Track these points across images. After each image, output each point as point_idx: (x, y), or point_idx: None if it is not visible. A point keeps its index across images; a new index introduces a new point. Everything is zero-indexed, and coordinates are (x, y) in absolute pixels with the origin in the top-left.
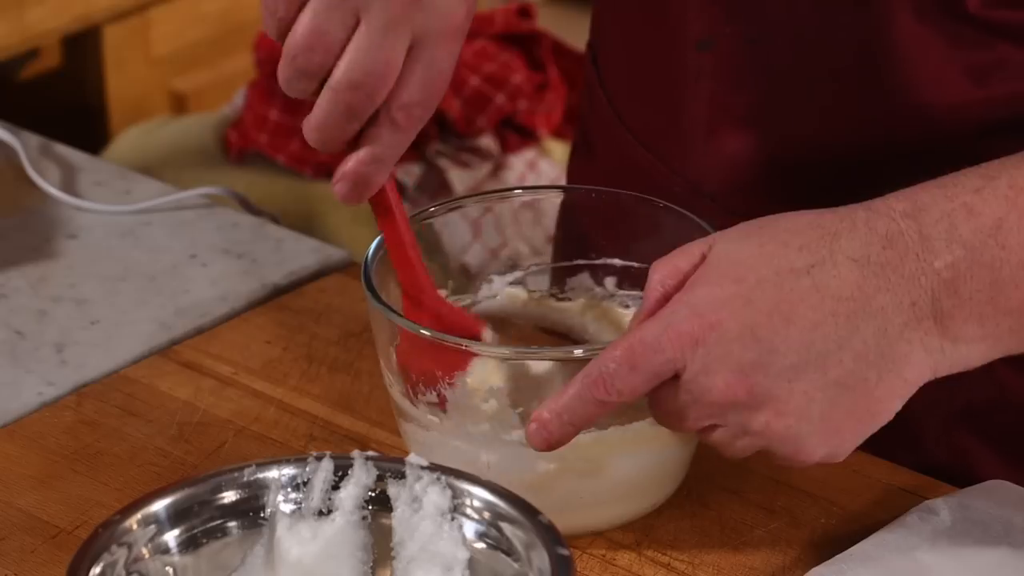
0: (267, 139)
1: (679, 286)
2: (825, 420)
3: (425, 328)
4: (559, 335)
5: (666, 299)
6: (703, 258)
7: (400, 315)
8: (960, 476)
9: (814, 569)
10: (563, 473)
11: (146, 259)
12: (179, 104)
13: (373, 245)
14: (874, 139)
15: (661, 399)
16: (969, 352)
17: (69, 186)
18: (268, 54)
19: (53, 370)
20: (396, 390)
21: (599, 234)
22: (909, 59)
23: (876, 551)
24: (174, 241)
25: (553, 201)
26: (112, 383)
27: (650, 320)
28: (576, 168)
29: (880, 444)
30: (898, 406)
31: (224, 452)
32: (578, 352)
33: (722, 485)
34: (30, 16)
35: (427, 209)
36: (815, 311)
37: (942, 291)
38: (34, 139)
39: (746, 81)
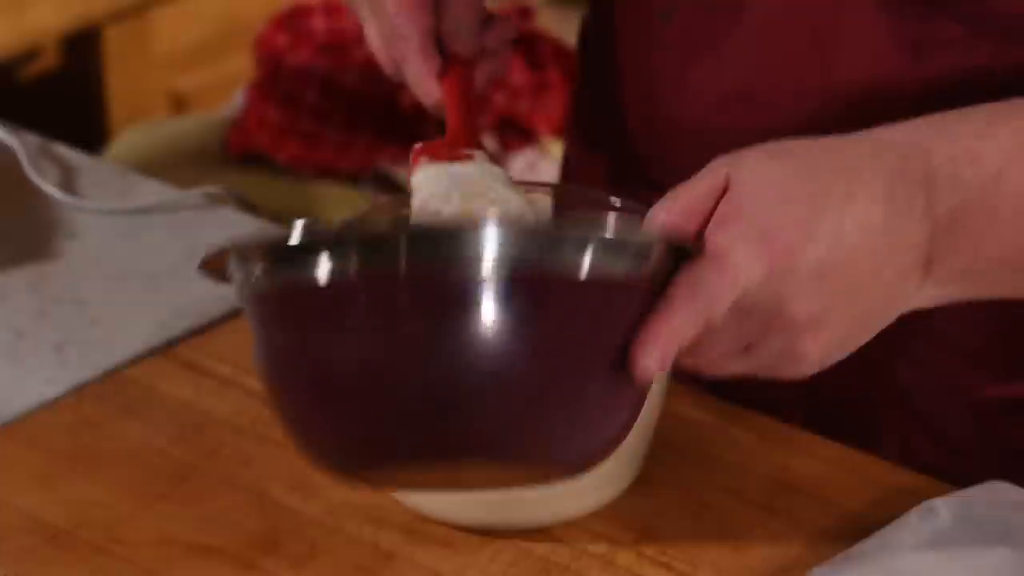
0: (267, 139)
1: (710, 204)
2: (835, 348)
3: None
4: None
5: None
6: (726, 180)
7: None
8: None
9: (814, 569)
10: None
11: (146, 259)
12: (179, 104)
13: None
14: (818, 112)
15: (723, 328)
16: (935, 293)
17: (69, 186)
18: (268, 54)
19: (53, 370)
20: None
21: None
22: (852, 31)
23: (876, 551)
24: (174, 241)
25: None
26: (112, 383)
27: (724, 240)
28: (568, 149)
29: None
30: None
31: (224, 452)
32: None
33: (722, 485)
34: (30, 16)
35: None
36: (858, 240)
37: (940, 235)
38: (33, 139)
39: (704, 52)
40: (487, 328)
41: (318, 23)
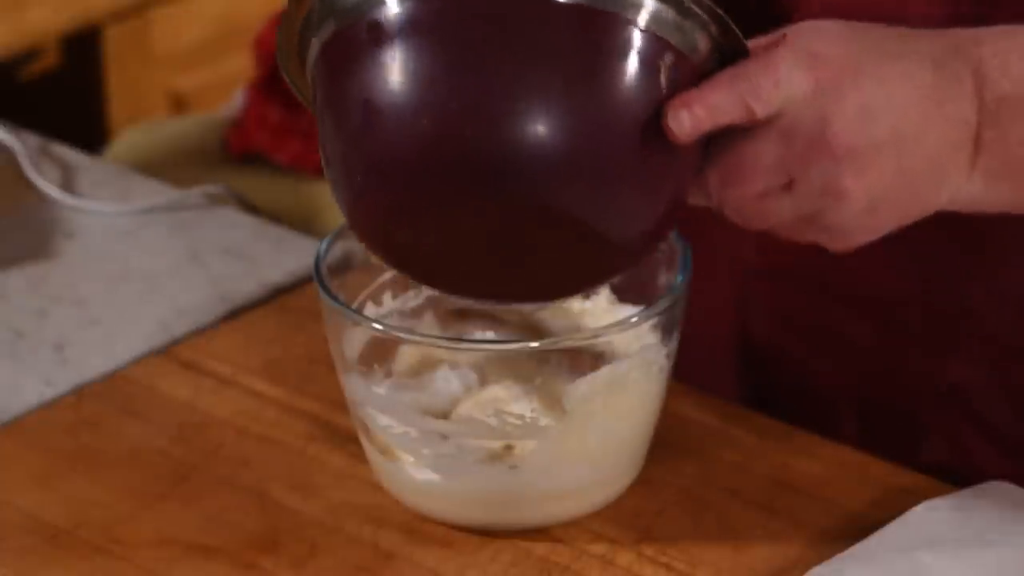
0: (267, 139)
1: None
2: (879, 202)
3: (377, 322)
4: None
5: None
6: (783, 34)
7: (353, 311)
8: (960, 473)
9: (814, 569)
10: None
11: (146, 259)
12: (179, 104)
13: (326, 241)
14: None
15: (758, 149)
16: (982, 192)
17: (68, 186)
18: (268, 54)
19: (53, 370)
20: (350, 381)
21: None
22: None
23: (876, 551)
24: (174, 241)
25: None
26: (112, 383)
27: (773, 48)
28: None
29: (878, 441)
30: (915, 218)
31: (224, 452)
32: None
33: (722, 485)
34: (30, 16)
35: None
36: (905, 95)
37: (987, 118)
38: (33, 139)
39: None
40: (542, 51)
41: None
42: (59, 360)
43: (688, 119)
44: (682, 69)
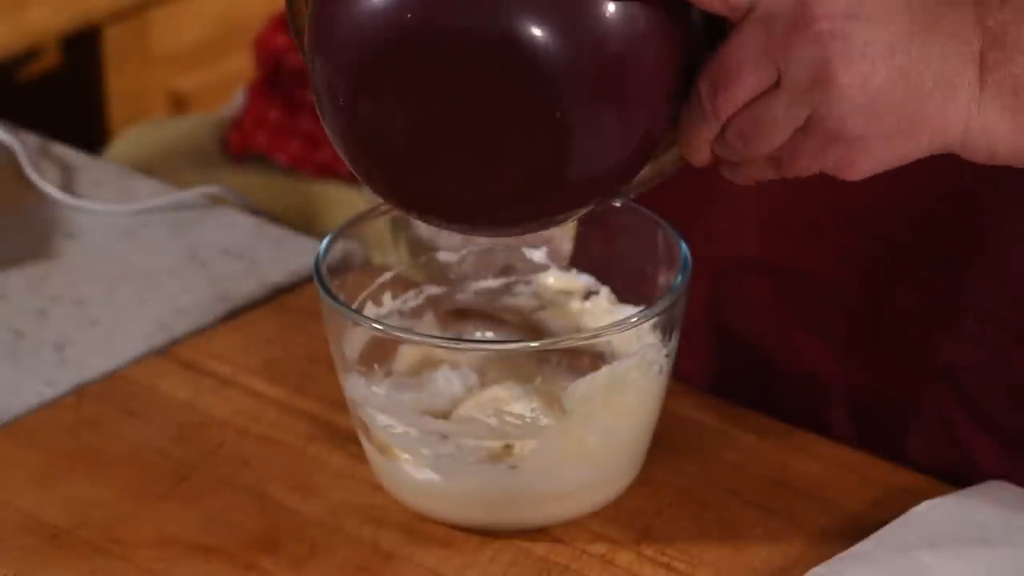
0: (267, 139)
1: None
2: (880, 100)
3: (377, 322)
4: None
5: None
6: None
7: (353, 311)
8: (954, 470)
9: (814, 569)
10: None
11: (146, 259)
12: (179, 104)
13: (326, 241)
14: None
15: (739, 41)
16: (997, 124)
17: (68, 186)
18: (268, 54)
19: (53, 370)
20: (349, 381)
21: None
22: None
23: (876, 551)
24: (174, 241)
25: None
26: (112, 383)
27: None
28: None
29: (868, 426)
30: (924, 148)
31: (224, 452)
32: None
33: (722, 485)
34: (30, 16)
35: None
36: (895, 8)
37: (989, 44)
38: (33, 139)
39: None
40: None
41: None
42: (59, 360)
43: None
44: None
